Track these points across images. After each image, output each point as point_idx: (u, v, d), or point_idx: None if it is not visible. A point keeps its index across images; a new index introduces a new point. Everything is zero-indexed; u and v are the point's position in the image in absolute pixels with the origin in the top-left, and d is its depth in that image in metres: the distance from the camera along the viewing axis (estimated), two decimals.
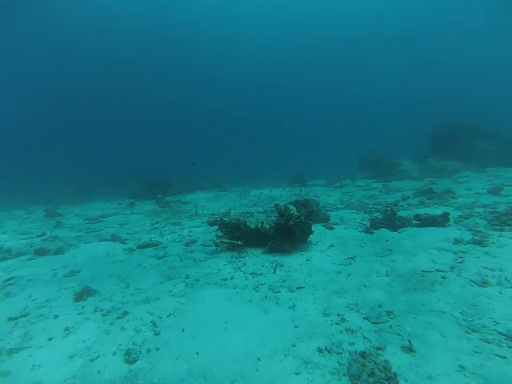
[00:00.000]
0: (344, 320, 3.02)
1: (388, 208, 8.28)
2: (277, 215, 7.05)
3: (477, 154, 18.05)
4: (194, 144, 48.34)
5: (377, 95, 54.06)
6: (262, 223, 5.78)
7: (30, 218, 11.28)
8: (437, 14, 43.35)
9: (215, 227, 5.82)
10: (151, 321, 3.11)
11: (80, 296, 3.73)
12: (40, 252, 5.80)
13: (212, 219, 5.66)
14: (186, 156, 39.01)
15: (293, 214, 5.44)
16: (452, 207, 8.27)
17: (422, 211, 7.92)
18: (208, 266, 4.73)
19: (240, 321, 3.04)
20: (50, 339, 2.81)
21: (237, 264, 4.77)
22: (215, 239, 6.21)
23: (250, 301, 3.52)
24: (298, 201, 7.41)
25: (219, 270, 4.53)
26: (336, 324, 2.98)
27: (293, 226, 5.31)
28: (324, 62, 55.55)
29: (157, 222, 8.55)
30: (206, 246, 5.92)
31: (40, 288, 4.08)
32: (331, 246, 5.53)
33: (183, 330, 2.89)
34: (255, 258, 5.03)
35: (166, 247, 5.98)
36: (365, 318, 3.02)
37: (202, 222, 8.45)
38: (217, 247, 5.68)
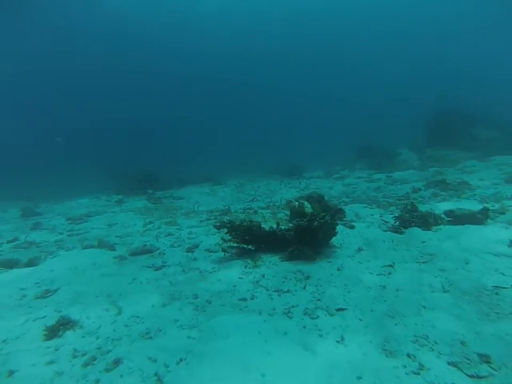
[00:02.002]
0: (423, 367, 2.20)
1: (407, 202, 7.56)
2: (291, 213, 6.21)
3: (479, 142, 17.55)
4: (184, 136, 46.49)
5: (371, 83, 53.25)
6: (278, 224, 4.91)
7: (4, 218, 10.08)
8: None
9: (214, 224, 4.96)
10: (155, 374, 2.22)
11: (53, 332, 2.80)
12: (7, 264, 4.78)
13: (219, 221, 4.77)
14: (176, 148, 37.44)
15: (317, 214, 4.58)
16: (474, 199, 7.60)
17: (446, 205, 7.22)
18: (219, 280, 3.84)
19: (282, 371, 2.19)
20: None
21: (254, 277, 3.90)
22: (220, 243, 5.32)
23: (285, 333, 2.67)
24: (312, 197, 6.58)
25: (234, 286, 3.65)
26: (414, 373, 2.15)
27: (316, 228, 4.46)
28: (316, 50, 54.21)
29: (150, 222, 7.57)
30: (211, 251, 5.02)
31: None
32: (360, 249, 4.72)
33: None
34: (274, 268, 4.17)
35: (164, 254, 5.05)
36: (450, 364, 2.21)
37: (201, 221, 7.53)
38: (225, 253, 4.79)
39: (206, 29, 48.60)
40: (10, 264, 4.81)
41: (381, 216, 6.93)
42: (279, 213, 8.04)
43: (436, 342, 2.43)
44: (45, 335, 2.79)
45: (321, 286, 3.59)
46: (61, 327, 2.86)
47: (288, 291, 3.45)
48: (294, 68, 57.10)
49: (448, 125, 19.86)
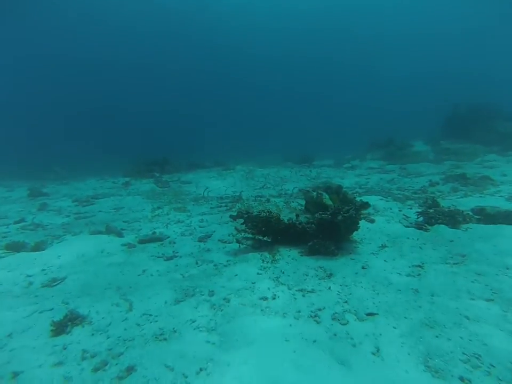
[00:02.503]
0: None
1: (427, 197, 7.22)
2: (307, 203, 5.90)
3: (497, 136, 16.89)
4: (193, 120, 45.69)
5: (385, 73, 51.59)
6: (298, 216, 4.61)
7: (11, 198, 9.92)
8: None
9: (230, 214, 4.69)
10: None
11: (61, 327, 2.58)
12: (14, 247, 4.58)
13: (236, 211, 4.47)
14: (184, 132, 36.90)
15: (340, 207, 4.26)
16: (500, 196, 7.20)
17: (469, 201, 6.86)
18: (236, 275, 3.58)
19: None
20: None
21: (273, 272, 3.63)
22: (234, 233, 5.05)
23: (315, 341, 2.41)
24: (330, 188, 6.23)
25: (253, 283, 3.38)
26: None
27: (339, 223, 4.15)
28: (329, 38, 52.48)
29: (158, 207, 7.32)
30: (224, 242, 4.75)
31: (3, 311, 2.89)
32: (383, 246, 4.42)
33: None
34: (294, 263, 3.89)
35: (174, 243, 4.80)
36: None
37: (211, 208, 7.26)
38: (240, 245, 4.53)
39: (221, 20, 47.34)
40: (18, 248, 4.61)
41: (400, 210, 6.60)
42: (292, 202, 7.74)
43: (492, 365, 2.13)
44: (52, 330, 2.57)
45: (346, 286, 3.31)
46: (69, 323, 2.63)
47: (312, 291, 3.17)
48: (309, 59, 55.53)
49: (465, 118, 19.21)
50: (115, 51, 49.38)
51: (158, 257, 4.23)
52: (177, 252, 4.40)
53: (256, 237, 4.69)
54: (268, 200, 7.73)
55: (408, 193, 8.99)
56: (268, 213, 4.27)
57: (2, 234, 5.62)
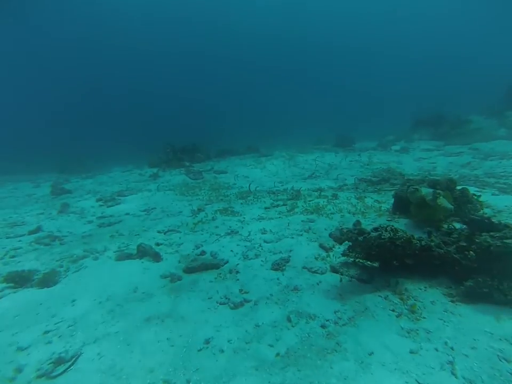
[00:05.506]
0: None
1: None
2: (416, 207, 4.15)
3: None
4: (219, 106, 43.45)
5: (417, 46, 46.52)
6: (431, 233, 2.91)
7: (34, 195, 8.86)
8: None
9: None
10: None
11: None
12: (17, 279, 3.25)
13: (340, 228, 2.84)
14: (212, 117, 34.99)
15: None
16: None
17: None
18: (372, 354, 1.98)
19: None
20: None
21: (435, 347, 2.01)
22: (324, 255, 3.44)
23: None
24: (439, 182, 4.44)
25: (417, 380, 1.78)
26: None
27: None
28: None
29: (199, 209, 5.82)
30: (313, 272, 3.15)
31: None
32: None
33: None
34: (455, 322, 2.25)
35: (238, 272, 3.27)
36: None
37: (266, 208, 5.66)
38: (341, 278, 2.94)
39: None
40: (21, 281, 3.27)
41: None
42: (366, 197, 6.03)
43: None
44: None
45: None
46: None
47: None
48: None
49: None
50: (135, 35, 47.78)
51: (220, 303, 2.72)
52: (247, 292, 2.86)
53: (357, 261, 3.09)
54: (335, 196, 6.04)
55: (510, 180, 6.99)
56: (392, 232, 2.61)
57: (11, 251, 4.35)
